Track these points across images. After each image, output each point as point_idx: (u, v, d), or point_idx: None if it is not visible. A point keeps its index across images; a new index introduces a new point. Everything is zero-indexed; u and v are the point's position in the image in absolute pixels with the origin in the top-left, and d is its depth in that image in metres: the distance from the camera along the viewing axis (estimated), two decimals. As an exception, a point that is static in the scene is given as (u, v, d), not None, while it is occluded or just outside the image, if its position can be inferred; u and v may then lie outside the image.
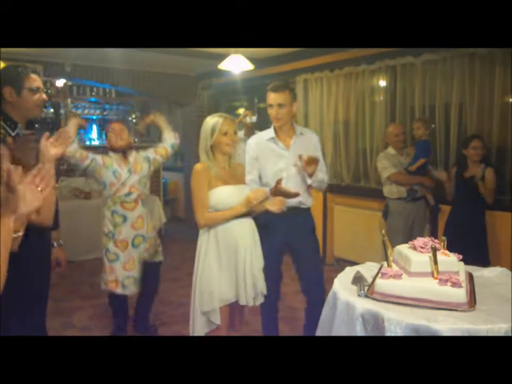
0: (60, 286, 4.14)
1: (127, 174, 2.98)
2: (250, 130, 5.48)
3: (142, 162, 3.08)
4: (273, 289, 2.74)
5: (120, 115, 6.56)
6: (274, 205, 2.32)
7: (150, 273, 3.15)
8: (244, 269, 2.29)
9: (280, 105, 2.61)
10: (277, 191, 2.47)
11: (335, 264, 4.98)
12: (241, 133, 5.48)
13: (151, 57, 5.16)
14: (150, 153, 3.16)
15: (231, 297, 2.29)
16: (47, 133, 1.74)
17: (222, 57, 4.33)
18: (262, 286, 2.38)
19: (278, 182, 2.44)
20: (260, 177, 2.71)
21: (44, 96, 2.10)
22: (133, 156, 3.08)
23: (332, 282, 1.86)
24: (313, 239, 2.77)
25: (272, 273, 2.71)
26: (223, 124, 2.29)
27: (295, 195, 2.49)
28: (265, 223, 2.71)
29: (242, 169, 2.51)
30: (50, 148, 1.70)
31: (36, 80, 2.07)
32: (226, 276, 2.28)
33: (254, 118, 5.50)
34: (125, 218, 2.99)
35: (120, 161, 3.00)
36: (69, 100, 5.58)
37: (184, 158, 7.21)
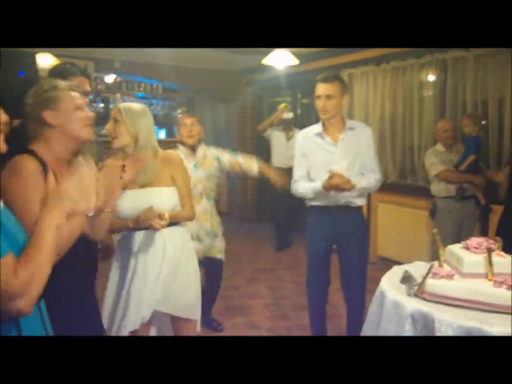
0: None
1: (193, 168, 2.91)
2: (287, 125, 5.55)
3: (212, 159, 3.05)
4: (319, 292, 2.73)
5: (166, 110, 6.71)
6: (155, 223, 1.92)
7: (212, 269, 3.18)
8: (126, 291, 1.99)
9: (328, 96, 2.49)
10: (330, 185, 2.41)
11: (378, 263, 4.90)
12: (279, 128, 5.58)
13: (197, 53, 5.23)
14: (224, 157, 3.13)
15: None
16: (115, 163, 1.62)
17: (266, 53, 4.34)
18: (165, 308, 2.05)
19: (331, 176, 2.39)
20: (308, 174, 2.63)
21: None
22: (202, 149, 3.04)
23: (375, 281, 1.83)
24: (361, 239, 2.67)
25: (318, 273, 2.71)
26: None
27: (350, 188, 2.40)
28: (313, 221, 2.71)
29: (174, 166, 2.09)
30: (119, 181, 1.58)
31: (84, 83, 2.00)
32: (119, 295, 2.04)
33: (291, 114, 5.54)
34: None
35: (189, 156, 2.96)
36: (118, 95, 5.78)
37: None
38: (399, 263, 2.04)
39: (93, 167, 1.18)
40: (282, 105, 5.56)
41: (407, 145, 4.83)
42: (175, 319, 2.15)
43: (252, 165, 3.16)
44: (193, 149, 2.99)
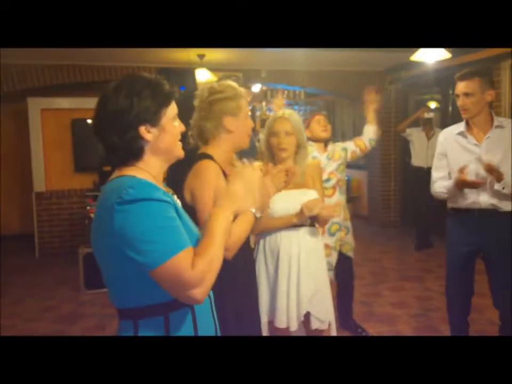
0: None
1: (325, 160, 3.02)
2: (428, 124, 5.47)
3: (339, 151, 3.14)
4: (460, 303, 2.54)
5: (308, 115, 6.85)
6: (327, 211, 1.99)
7: (344, 266, 3.17)
8: (287, 285, 2.04)
9: (466, 94, 2.35)
10: (460, 182, 2.29)
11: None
12: (419, 128, 5.48)
13: (337, 56, 5.22)
14: (349, 144, 3.23)
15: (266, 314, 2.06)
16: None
17: (412, 49, 4.12)
18: (311, 309, 2.07)
19: (461, 170, 2.25)
20: (449, 175, 2.48)
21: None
22: (331, 144, 3.17)
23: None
24: (509, 247, 2.39)
25: (458, 282, 2.53)
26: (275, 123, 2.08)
27: (480, 185, 2.26)
28: (452, 224, 2.54)
29: (314, 169, 2.21)
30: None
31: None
32: (271, 291, 2.08)
33: (432, 114, 5.51)
34: None
35: (321, 149, 3.08)
36: (264, 103, 6.09)
37: (367, 156, 7.10)
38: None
39: (257, 170, 1.26)
40: (429, 103, 5.37)
41: None
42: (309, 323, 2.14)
43: (369, 131, 3.26)
44: (325, 143, 3.12)
